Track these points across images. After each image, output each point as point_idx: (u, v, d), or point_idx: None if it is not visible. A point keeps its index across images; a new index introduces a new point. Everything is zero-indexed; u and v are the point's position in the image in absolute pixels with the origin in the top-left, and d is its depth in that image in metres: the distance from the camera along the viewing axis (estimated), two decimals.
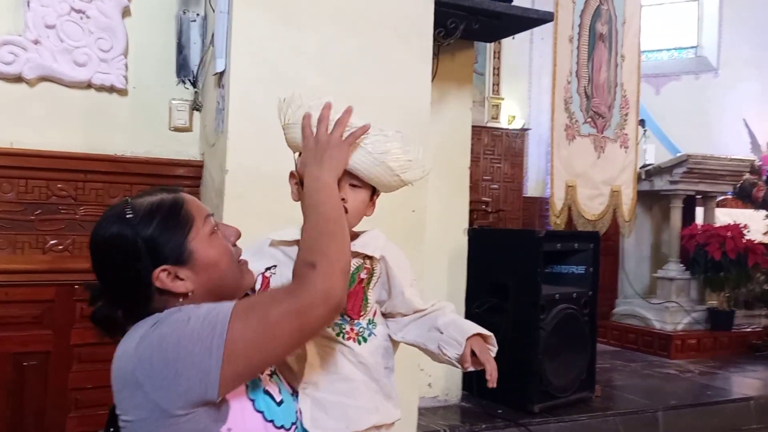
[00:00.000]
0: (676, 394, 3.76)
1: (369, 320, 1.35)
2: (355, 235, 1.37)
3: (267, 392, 1.20)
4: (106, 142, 2.76)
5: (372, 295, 1.35)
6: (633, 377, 4.09)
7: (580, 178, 3.71)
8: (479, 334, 1.32)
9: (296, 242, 1.33)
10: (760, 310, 5.25)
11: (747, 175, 5.17)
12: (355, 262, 1.32)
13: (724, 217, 5.54)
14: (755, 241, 4.84)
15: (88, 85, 2.72)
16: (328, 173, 1.22)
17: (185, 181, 2.82)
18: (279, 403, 1.21)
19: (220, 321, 1.08)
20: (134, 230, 1.17)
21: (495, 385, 1.26)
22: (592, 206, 3.78)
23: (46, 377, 2.61)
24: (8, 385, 2.54)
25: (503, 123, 8.24)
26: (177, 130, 2.88)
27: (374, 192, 1.36)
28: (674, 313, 4.87)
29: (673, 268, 4.97)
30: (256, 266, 1.36)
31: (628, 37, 3.93)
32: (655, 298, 5.05)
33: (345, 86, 2.60)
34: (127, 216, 1.19)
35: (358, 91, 2.61)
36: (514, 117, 8.35)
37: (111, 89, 2.76)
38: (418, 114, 2.73)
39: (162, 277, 1.18)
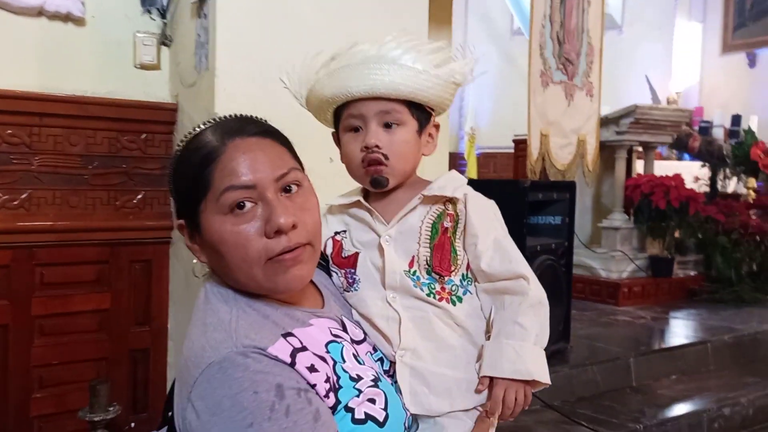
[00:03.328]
0: (641, 341, 3.84)
1: (463, 275, 1.14)
2: (425, 182, 1.19)
3: (367, 418, 0.99)
4: (64, 80, 2.37)
5: (460, 244, 1.15)
6: (593, 326, 4.14)
7: (553, 126, 3.64)
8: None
9: (357, 203, 1.18)
10: (691, 255, 5.49)
11: (683, 126, 5.32)
12: (435, 209, 1.14)
13: (656, 169, 5.71)
14: (694, 190, 5.00)
15: (40, 12, 2.31)
16: None
17: (157, 127, 2.49)
18: (383, 423, 1.00)
19: None
20: (170, 167, 1.04)
21: None
22: (562, 155, 3.73)
23: (4, 354, 2.26)
24: None
25: None
26: (143, 67, 2.52)
27: (425, 123, 1.18)
28: (619, 261, 4.97)
29: (618, 218, 5.06)
30: (323, 232, 1.19)
31: None
32: (599, 247, 5.13)
33: (342, 23, 2.35)
34: (176, 147, 1.02)
35: (356, 27, 2.37)
36: None
37: (66, 18, 2.36)
38: None
39: (183, 232, 1.02)
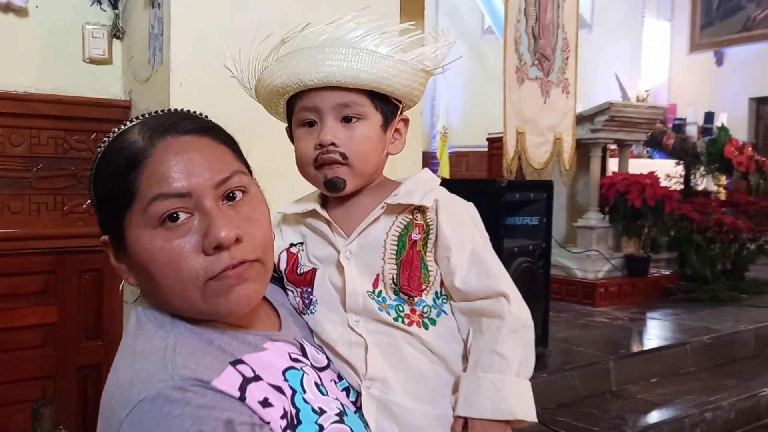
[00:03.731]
0: (620, 343, 3.76)
1: (436, 294, 1.00)
2: (393, 185, 1.04)
3: None
4: (4, 75, 2.19)
5: (432, 259, 1.00)
6: (571, 328, 4.05)
7: (529, 124, 3.53)
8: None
9: (312, 212, 1.02)
10: (663, 253, 5.45)
11: (658, 124, 5.26)
12: (402, 219, 0.99)
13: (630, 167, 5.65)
14: (669, 188, 4.95)
15: None
16: None
17: (108, 125, 2.26)
18: None
19: None
20: (90, 171, 0.88)
21: None
22: (538, 153, 3.62)
23: None
24: None
25: None
26: (93, 62, 2.34)
27: (390, 118, 1.03)
28: (595, 261, 4.89)
29: (593, 217, 4.98)
30: (277, 244, 1.04)
31: None
32: (575, 247, 5.05)
33: (308, 14, 2.20)
34: (98, 148, 0.87)
35: (322, 18, 2.23)
36: None
37: (7, 7, 2.17)
38: None
39: (108, 249, 0.87)
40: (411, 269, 0.98)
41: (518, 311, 0.97)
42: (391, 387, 0.95)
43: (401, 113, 1.05)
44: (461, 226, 1.01)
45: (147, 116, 0.87)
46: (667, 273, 5.22)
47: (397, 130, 1.05)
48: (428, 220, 1.00)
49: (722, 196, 6.05)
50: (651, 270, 5.10)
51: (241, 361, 0.83)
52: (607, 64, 9.71)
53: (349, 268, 0.98)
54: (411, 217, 1.00)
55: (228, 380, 0.79)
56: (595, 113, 4.79)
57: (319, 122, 0.98)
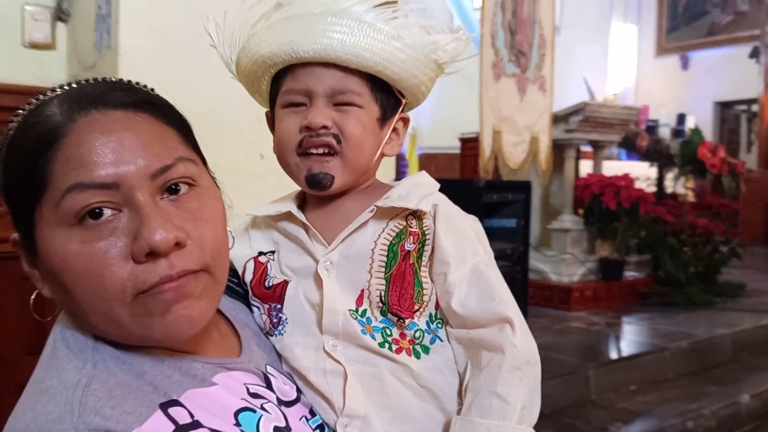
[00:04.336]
0: (598, 350, 3.65)
1: (431, 316, 0.83)
2: (384, 188, 0.88)
3: None
4: None
5: (427, 274, 0.83)
6: (548, 334, 3.91)
7: (506, 122, 3.40)
8: None
9: (288, 214, 0.86)
10: (634, 256, 5.37)
11: (632, 125, 5.18)
12: (394, 226, 0.83)
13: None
14: (643, 190, 4.87)
15: None
16: None
17: None
18: None
19: None
20: None
21: None
22: (515, 153, 3.49)
23: None
24: None
25: None
26: (35, 46, 2.12)
27: (390, 114, 0.87)
28: (570, 264, 4.79)
29: (568, 219, 4.87)
30: (243, 252, 0.89)
31: None
32: (549, 250, 4.93)
33: None
34: (10, 123, 0.69)
35: None
36: None
37: None
38: None
39: (19, 250, 0.69)
40: (402, 285, 0.81)
41: (524, 344, 0.79)
42: (372, 426, 0.79)
43: (402, 110, 0.89)
44: (463, 239, 0.84)
45: (73, 85, 0.68)
46: (641, 276, 5.14)
47: (395, 129, 0.89)
48: (425, 228, 0.83)
49: (690, 198, 6.02)
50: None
51: (175, 402, 0.65)
52: (575, 67, 9.70)
53: (328, 282, 0.81)
54: (405, 223, 0.83)
55: (154, 430, 0.61)
56: (569, 113, 4.69)
57: (308, 105, 0.82)
